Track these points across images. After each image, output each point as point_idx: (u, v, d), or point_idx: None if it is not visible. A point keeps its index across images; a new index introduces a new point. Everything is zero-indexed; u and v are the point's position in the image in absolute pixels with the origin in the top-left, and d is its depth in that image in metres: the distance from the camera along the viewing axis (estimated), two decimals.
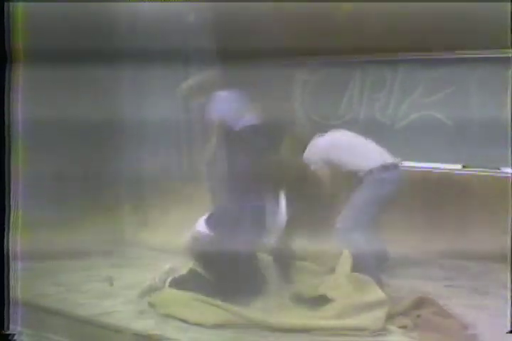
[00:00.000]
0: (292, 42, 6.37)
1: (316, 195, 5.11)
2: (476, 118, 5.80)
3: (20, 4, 3.99)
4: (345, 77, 6.52)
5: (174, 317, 4.39)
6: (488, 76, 5.68)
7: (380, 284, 4.62)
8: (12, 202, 3.71)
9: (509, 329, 3.71)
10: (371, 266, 4.84)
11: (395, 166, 5.09)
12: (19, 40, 3.77)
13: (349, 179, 5.14)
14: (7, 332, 3.62)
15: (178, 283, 4.78)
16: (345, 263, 4.72)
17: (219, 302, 4.40)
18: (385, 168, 5.02)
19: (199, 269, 4.77)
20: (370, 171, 4.99)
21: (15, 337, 3.72)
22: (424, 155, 6.07)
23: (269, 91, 6.73)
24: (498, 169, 5.78)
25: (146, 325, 4.33)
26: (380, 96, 6.34)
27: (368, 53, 6.26)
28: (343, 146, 5.20)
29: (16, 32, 3.73)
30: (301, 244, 5.47)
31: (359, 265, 4.72)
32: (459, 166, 6.02)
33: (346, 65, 6.49)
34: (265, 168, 4.99)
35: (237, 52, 6.20)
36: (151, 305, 4.63)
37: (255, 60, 6.26)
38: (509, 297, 3.85)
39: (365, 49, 6.16)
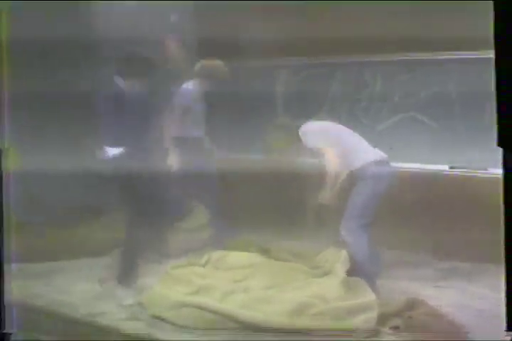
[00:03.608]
0: (273, 44, 6.41)
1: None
2: (459, 119, 5.83)
3: None
4: (327, 78, 6.53)
5: (163, 319, 4.41)
6: (470, 77, 5.70)
7: (373, 286, 4.65)
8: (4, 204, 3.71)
9: (502, 329, 3.73)
10: (368, 267, 4.85)
11: (386, 161, 5.09)
12: None
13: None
14: (3, 332, 3.64)
15: None
16: (343, 265, 4.74)
17: (208, 304, 4.41)
18: (378, 163, 5.02)
19: None
20: (363, 167, 4.95)
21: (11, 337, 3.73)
22: (407, 156, 6.08)
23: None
24: (485, 170, 5.81)
25: (137, 326, 4.36)
26: (362, 98, 6.35)
27: (349, 54, 6.28)
28: (344, 133, 5.14)
29: None
30: (292, 245, 5.52)
31: (357, 266, 4.75)
32: (445, 167, 6.05)
33: (327, 66, 6.50)
34: None
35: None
36: (141, 305, 4.64)
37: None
38: (504, 295, 3.86)
39: (346, 50, 6.19)
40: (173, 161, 5.78)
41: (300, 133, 5.09)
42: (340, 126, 5.26)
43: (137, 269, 4.90)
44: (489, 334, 3.97)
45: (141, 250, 4.93)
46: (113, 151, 4.95)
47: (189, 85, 5.97)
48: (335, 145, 4.97)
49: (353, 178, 5.01)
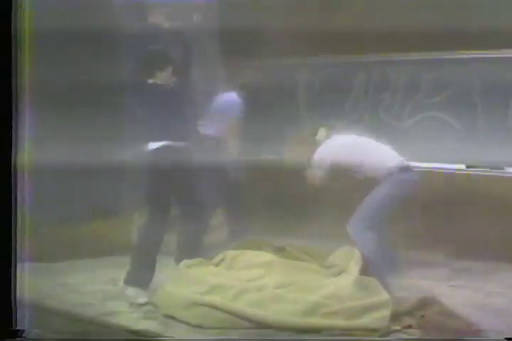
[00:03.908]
0: (296, 42, 6.41)
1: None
2: (481, 118, 5.80)
3: None
4: (349, 77, 6.52)
5: (175, 319, 4.41)
6: (494, 76, 5.67)
7: (385, 285, 4.62)
8: (18, 202, 3.72)
9: None
10: (380, 266, 4.83)
11: (407, 167, 5.10)
12: None
13: (362, 181, 5.13)
14: (15, 329, 3.67)
15: None
16: (355, 265, 4.72)
17: (220, 303, 4.41)
18: (404, 169, 5.04)
19: None
20: (390, 172, 5.00)
21: (24, 334, 3.75)
22: (428, 155, 6.07)
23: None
24: (502, 169, 5.78)
25: (149, 325, 4.35)
26: (385, 97, 6.34)
27: (372, 53, 6.27)
28: (363, 147, 5.20)
29: None
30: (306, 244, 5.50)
31: (369, 265, 4.73)
32: (462, 166, 6.02)
33: (350, 65, 6.49)
34: None
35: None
36: (154, 304, 4.65)
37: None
38: None
39: (369, 49, 6.18)
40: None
41: (315, 156, 5.18)
42: (360, 139, 5.28)
43: (150, 270, 4.88)
44: (504, 333, 3.95)
45: (155, 250, 4.91)
46: (141, 148, 4.96)
47: (235, 97, 6.15)
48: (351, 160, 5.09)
49: (371, 183, 5.03)
